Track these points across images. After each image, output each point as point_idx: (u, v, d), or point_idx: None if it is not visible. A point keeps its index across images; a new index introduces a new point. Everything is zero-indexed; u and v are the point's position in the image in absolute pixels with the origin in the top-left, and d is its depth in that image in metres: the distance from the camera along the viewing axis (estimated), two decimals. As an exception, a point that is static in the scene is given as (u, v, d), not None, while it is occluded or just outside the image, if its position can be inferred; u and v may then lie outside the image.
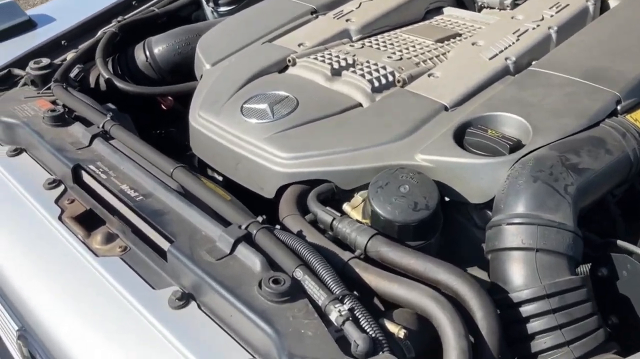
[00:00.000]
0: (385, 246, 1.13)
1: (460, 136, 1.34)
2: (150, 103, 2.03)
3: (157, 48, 1.98)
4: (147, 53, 1.98)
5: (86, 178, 1.39)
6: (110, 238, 1.26)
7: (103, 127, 1.48)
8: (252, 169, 1.41)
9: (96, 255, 1.22)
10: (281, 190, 1.37)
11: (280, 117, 1.46)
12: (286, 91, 1.55)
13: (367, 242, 1.14)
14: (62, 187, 1.41)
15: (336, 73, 1.60)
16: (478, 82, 1.50)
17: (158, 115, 2.08)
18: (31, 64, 1.78)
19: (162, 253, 1.18)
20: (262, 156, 1.39)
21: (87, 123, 1.54)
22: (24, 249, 1.30)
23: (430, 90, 1.49)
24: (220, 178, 1.65)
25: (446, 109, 1.43)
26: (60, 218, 1.32)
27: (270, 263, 1.09)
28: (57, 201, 1.37)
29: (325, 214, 1.23)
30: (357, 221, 1.22)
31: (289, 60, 1.70)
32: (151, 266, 1.18)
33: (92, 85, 1.98)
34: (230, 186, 1.52)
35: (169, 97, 1.99)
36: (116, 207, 1.30)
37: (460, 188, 1.27)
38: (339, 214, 1.23)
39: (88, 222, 1.31)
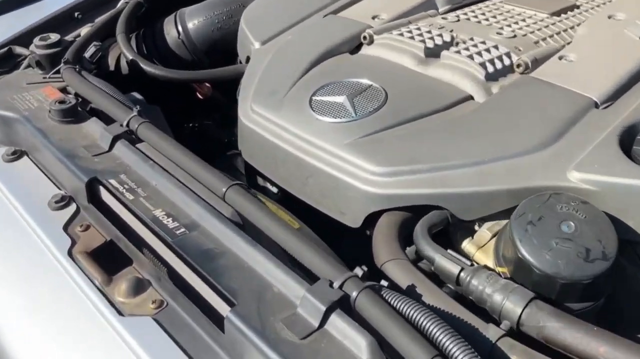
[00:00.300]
0: (553, 320, 0.75)
1: (626, 146, 0.95)
2: (183, 90, 1.66)
3: (191, 22, 1.60)
4: (180, 28, 1.60)
5: (106, 197, 1.02)
6: (139, 287, 0.89)
7: (128, 125, 1.11)
8: (329, 187, 1.04)
9: (120, 313, 0.86)
10: (370, 217, 1.00)
11: (366, 115, 1.08)
12: (368, 78, 1.17)
13: (523, 312, 0.77)
14: (73, 207, 1.05)
15: (432, 54, 1.22)
16: (632, 69, 1.10)
17: (192, 105, 1.71)
18: (36, 40, 1.41)
19: (216, 317, 0.81)
20: (344, 170, 1.02)
21: (106, 119, 1.18)
22: (17, 298, 0.94)
23: (567, 79, 1.10)
24: (275, 190, 1.28)
25: (596, 105, 1.04)
26: (70, 253, 0.96)
27: (380, 343, 0.72)
28: (66, 227, 1.01)
29: (447, 262, 0.85)
30: (498, 273, 0.85)
31: (364, 37, 1.32)
32: (199, 334, 0.81)
33: (112, 67, 1.61)
34: (286, 199, 1.15)
35: (206, 84, 1.62)
36: (148, 241, 0.94)
37: (635, 222, 0.89)
38: (468, 263, 0.85)
39: (108, 260, 0.95)
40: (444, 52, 1.20)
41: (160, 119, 1.31)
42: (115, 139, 1.09)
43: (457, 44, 1.25)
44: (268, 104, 1.18)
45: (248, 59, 1.45)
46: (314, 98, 1.14)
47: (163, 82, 1.49)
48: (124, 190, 0.99)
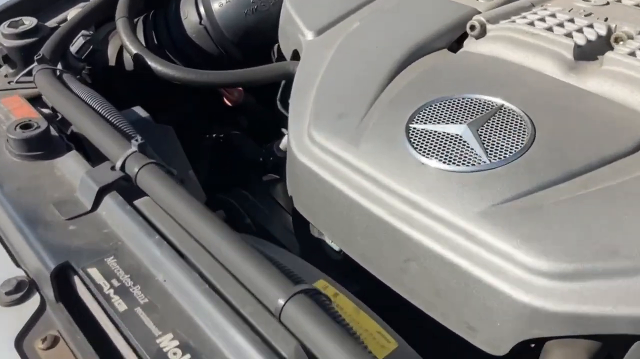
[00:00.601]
0: None
1: None
2: (205, 94, 1.26)
3: (217, 1, 1.19)
4: (201, 10, 1.19)
5: (84, 294, 0.63)
6: None
7: (123, 167, 0.71)
8: (449, 283, 0.63)
9: None
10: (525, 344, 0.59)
11: (507, 160, 0.66)
12: (496, 94, 0.75)
13: None
14: (34, 303, 0.66)
15: (584, 56, 0.79)
16: None
17: (216, 111, 1.31)
18: (4, 27, 1.01)
19: None
20: (479, 259, 0.60)
21: (93, 153, 0.78)
22: None
23: None
24: (337, 248, 0.88)
25: None
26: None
27: None
28: (20, 340, 0.62)
29: None
30: None
31: (472, 27, 0.89)
32: None
33: (112, 61, 1.22)
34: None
35: (239, 88, 1.21)
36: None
37: None
38: None
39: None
40: (609, 55, 0.77)
41: (174, 145, 0.91)
42: (102, 192, 0.69)
43: (618, 39, 0.82)
44: (337, 132, 0.77)
45: (295, 55, 1.05)
46: (412, 126, 0.73)
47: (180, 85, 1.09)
48: (111, 291, 0.60)
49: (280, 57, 1.16)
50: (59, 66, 0.97)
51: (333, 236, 0.78)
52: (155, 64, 1.05)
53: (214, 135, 1.35)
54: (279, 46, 1.15)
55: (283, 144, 1.22)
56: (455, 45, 0.93)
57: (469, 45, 0.90)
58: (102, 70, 1.22)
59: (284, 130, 1.26)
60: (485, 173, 0.65)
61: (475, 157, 0.67)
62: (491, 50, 0.86)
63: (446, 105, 0.75)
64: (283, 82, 1.09)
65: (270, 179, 1.22)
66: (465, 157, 0.67)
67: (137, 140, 0.72)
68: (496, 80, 0.79)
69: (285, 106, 1.12)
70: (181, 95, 1.26)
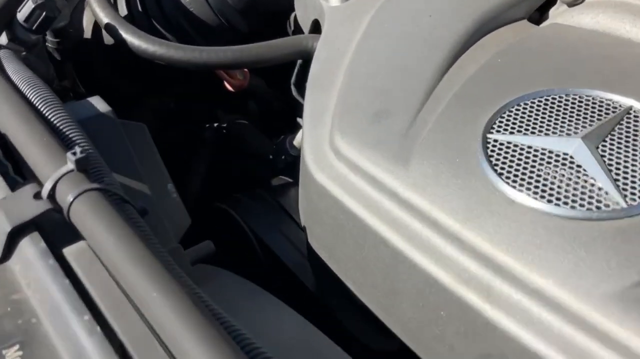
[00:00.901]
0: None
1: None
2: (199, 78, 1.01)
3: (217, -42, 0.94)
4: (197, -31, 0.95)
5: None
6: None
7: (53, 194, 0.48)
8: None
9: None
10: None
11: (652, 204, 0.42)
12: (616, 89, 0.50)
13: None
14: None
15: None
16: None
17: (215, 99, 1.07)
18: (-63, -12, 0.78)
19: None
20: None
21: (14, 167, 0.55)
22: None
23: None
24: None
25: None
26: None
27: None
28: None
29: None
30: None
31: (565, -9, 0.64)
32: None
33: (88, 34, 0.98)
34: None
35: (244, 69, 0.96)
36: None
37: None
38: None
39: None
40: None
41: (147, 150, 0.66)
42: (17, 234, 0.46)
43: None
44: (375, 142, 0.52)
45: (316, 27, 0.80)
46: (491, 138, 0.48)
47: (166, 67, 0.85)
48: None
49: (298, 30, 0.91)
50: (2, 40, 0.73)
51: (364, 294, 0.53)
52: (132, 38, 0.80)
53: (215, 125, 1.11)
54: (295, 16, 0.90)
55: (297, 139, 0.98)
56: (537, 15, 0.68)
57: (560, 14, 0.65)
58: (77, 45, 0.99)
59: (299, 120, 1.02)
60: (620, 224, 0.40)
61: (600, 195, 0.42)
62: (596, 21, 0.60)
63: (542, 105, 0.49)
64: (299, 61, 0.85)
65: (280, 183, 0.98)
66: (583, 194, 0.42)
67: (75, 153, 0.48)
68: (612, 68, 0.53)
69: (302, 91, 0.88)
70: (176, 74, 1.02)
